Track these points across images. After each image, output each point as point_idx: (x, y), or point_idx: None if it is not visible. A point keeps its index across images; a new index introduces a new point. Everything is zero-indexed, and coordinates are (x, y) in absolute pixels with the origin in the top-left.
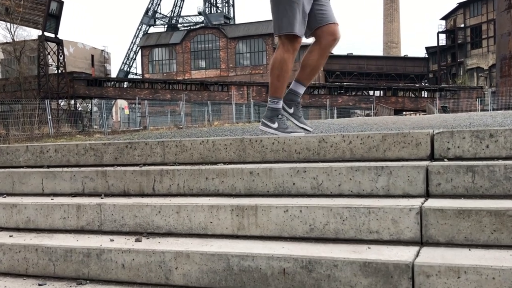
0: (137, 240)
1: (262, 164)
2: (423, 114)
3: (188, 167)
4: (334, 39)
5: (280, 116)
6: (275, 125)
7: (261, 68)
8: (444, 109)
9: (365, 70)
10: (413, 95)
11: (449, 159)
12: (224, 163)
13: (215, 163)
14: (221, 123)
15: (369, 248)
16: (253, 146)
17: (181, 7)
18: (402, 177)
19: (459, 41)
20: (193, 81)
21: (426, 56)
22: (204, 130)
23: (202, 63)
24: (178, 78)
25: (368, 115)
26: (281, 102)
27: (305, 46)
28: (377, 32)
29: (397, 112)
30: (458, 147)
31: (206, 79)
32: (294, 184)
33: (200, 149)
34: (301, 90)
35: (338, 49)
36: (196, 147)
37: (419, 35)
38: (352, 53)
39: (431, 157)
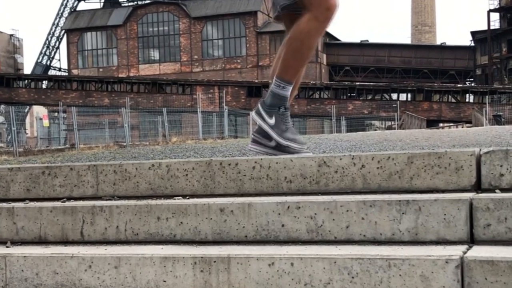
0: None
1: (238, 197)
2: (467, 127)
3: (132, 202)
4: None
5: (283, 109)
6: (272, 120)
7: (238, 61)
8: (497, 120)
9: (386, 64)
10: (453, 100)
11: (503, 190)
12: (184, 196)
13: (171, 197)
14: (181, 139)
15: None
16: (225, 172)
17: None
18: (435, 215)
19: None
20: (141, 80)
21: (472, 44)
22: (158, 150)
23: (155, 54)
24: (121, 76)
25: (390, 127)
26: (289, 88)
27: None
28: (403, 11)
29: (431, 123)
30: None
31: (160, 76)
32: (283, 225)
33: (149, 177)
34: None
35: (348, 35)
36: (144, 174)
37: (462, 15)
38: (367, 40)
39: (477, 187)
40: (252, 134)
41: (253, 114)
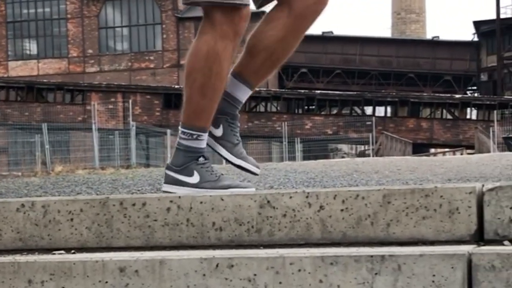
0: None
1: (145, 251)
2: (468, 153)
3: None
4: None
5: (202, 160)
6: (195, 179)
7: (151, 57)
8: (509, 144)
9: (357, 66)
10: (449, 116)
11: None
12: (68, 250)
13: (49, 251)
14: (69, 168)
15: None
16: (127, 216)
17: None
18: (421, 276)
19: None
20: (11, 83)
21: (475, 39)
22: (35, 183)
23: (31, 47)
24: None
25: (362, 154)
26: (205, 137)
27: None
28: None
29: (419, 148)
30: None
31: (39, 78)
32: None
33: (18, 222)
34: (244, 94)
35: None
36: (10, 218)
37: (462, 0)
38: (331, 32)
39: (479, 238)
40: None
41: (165, 188)
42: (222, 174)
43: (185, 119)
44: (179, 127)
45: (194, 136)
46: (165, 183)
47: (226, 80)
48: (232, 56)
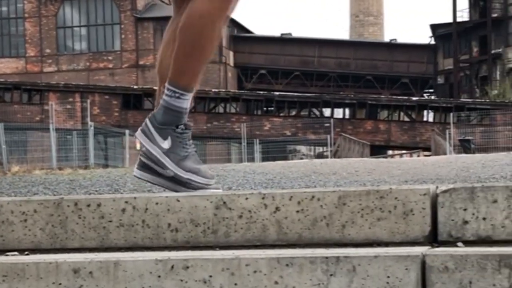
0: None
1: (100, 253)
2: (425, 155)
3: None
4: None
5: (182, 127)
6: (166, 145)
7: (110, 58)
8: (465, 146)
9: (315, 68)
10: (407, 118)
11: (467, 243)
12: (22, 251)
13: (2, 252)
14: (26, 168)
15: None
16: (82, 217)
17: None
18: (375, 277)
19: (495, 15)
20: None
21: (432, 42)
22: None
23: None
24: None
25: (321, 155)
26: (188, 97)
27: None
28: None
29: (377, 150)
30: (485, 219)
31: None
32: None
33: None
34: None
35: (264, 26)
36: None
37: (419, 2)
38: (290, 34)
39: (433, 239)
40: (140, 155)
41: (138, 134)
42: (193, 155)
43: (171, 76)
44: (166, 84)
45: (176, 95)
46: (141, 129)
47: (217, 43)
48: (227, 18)
